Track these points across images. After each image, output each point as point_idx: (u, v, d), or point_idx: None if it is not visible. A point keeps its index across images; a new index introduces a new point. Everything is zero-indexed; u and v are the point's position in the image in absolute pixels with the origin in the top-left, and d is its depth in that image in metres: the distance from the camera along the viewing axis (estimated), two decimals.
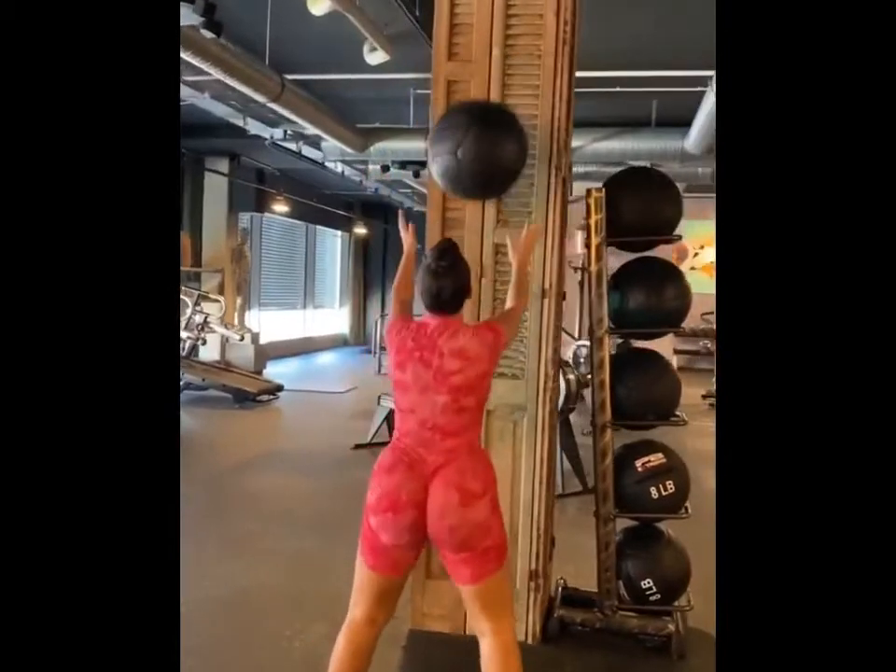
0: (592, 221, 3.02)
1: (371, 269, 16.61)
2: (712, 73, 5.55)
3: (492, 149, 2.47)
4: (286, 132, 7.77)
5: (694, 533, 3.26)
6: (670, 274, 3.08)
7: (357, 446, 6.39)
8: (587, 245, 3.08)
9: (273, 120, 7.53)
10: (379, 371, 11.74)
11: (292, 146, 8.32)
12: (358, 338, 16.33)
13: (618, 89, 6.64)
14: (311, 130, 7.10)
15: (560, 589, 3.23)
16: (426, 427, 2.08)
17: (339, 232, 15.89)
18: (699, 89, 6.28)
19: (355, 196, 14.46)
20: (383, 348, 12.36)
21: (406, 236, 2.53)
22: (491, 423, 2.95)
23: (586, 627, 3.08)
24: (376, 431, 6.47)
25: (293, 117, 6.36)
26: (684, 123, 6.85)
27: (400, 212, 2.65)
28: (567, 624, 3.07)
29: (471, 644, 2.97)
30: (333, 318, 16.02)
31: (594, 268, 3.04)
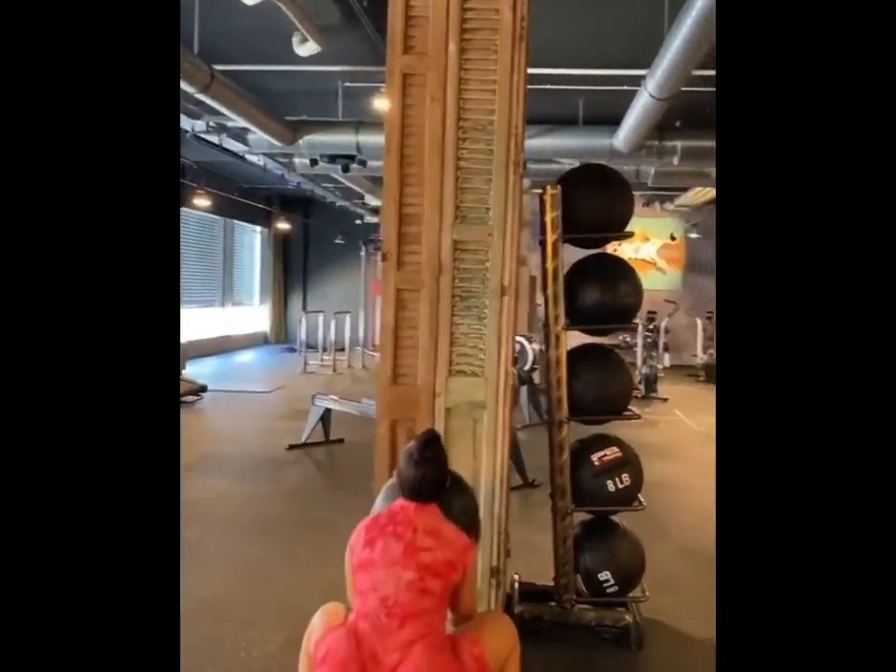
0: (548, 218, 3.04)
1: (291, 264, 16.32)
2: (642, 72, 5.67)
3: None
4: (208, 124, 7.52)
5: (639, 523, 3.34)
6: (623, 271, 3.12)
7: (292, 447, 6.26)
8: (542, 243, 3.09)
9: (196, 112, 7.29)
10: (305, 369, 11.55)
11: (214, 138, 8.06)
12: (279, 336, 16.02)
13: (548, 86, 6.70)
14: (238, 122, 6.89)
15: (517, 585, 3.24)
16: (385, 605, 1.95)
17: (258, 228, 15.55)
18: (626, 87, 6.41)
19: (274, 190, 14.17)
20: (309, 346, 12.20)
21: None
22: (451, 421, 2.93)
23: (545, 622, 3.11)
24: (311, 431, 6.37)
25: (222, 108, 6.16)
26: (612, 121, 6.98)
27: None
28: (527, 620, 3.08)
29: None
30: (253, 316, 15.67)
31: (549, 265, 3.05)
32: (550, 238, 3.03)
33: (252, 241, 15.76)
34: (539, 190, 3.14)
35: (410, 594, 1.95)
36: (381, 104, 5.98)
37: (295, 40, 5.96)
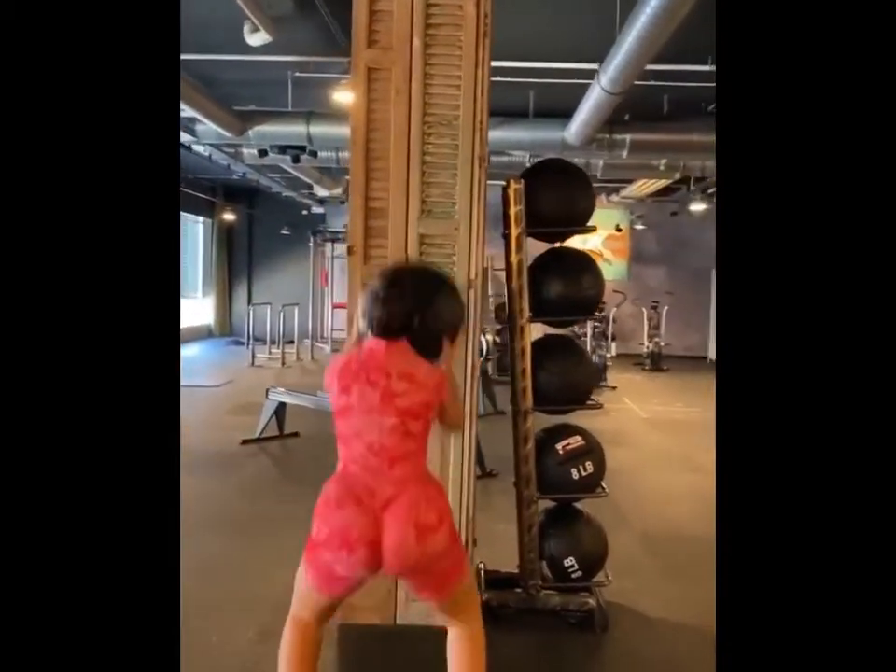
0: (512, 212, 3.08)
1: (236, 256, 16.05)
2: (593, 66, 5.75)
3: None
4: None
5: (598, 510, 3.42)
6: (586, 264, 3.19)
7: (246, 441, 6.20)
8: (506, 236, 3.13)
9: None
10: (252, 363, 11.42)
11: None
12: (224, 329, 15.76)
13: (498, 78, 6.74)
14: (185, 112, 6.75)
15: (482, 573, 3.29)
16: (372, 450, 1.99)
17: (200, 219, 15.27)
18: (577, 81, 6.49)
19: (218, 181, 13.92)
20: (257, 339, 12.04)
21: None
22: None
23: (512, 608, 3.17)
24: (265, 426, 6.32)
25: None
26: (562, 114, 7.07)
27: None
28: (493, 607, 3.13)
29: (402, 634, 2.99)
30: (196, 308, 15.39)
31: (514, 258, 3.10)
32: (514, 232, 3.07)
33: (195, 232, 15.46)
34: (500, 182, 3.18)
35: (394, 437, 1.98)
36: (339, 96, 5.93)
37: (246, 30, 5.87)
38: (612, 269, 13.85)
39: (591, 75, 5.74)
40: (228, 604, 3.24)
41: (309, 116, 7.17)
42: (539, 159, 8.12)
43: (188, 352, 12.94)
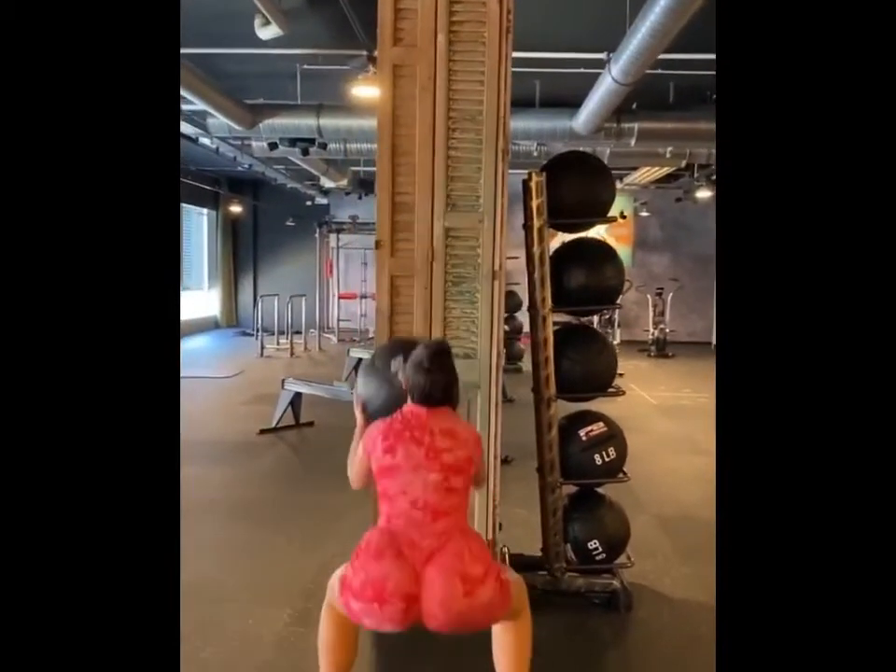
0: (533, 204, 3.15)
1: (241, 247, 16.11)
2: (600, 55, 5.79)
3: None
4: None
5: (615, 494, 3.50)
6: (607, 254, 3.26)
7: (263, 431, 6.29)
8: (527, 228, 3.20)
9: None
10: (262, 353, 11.50)
11: None
12: (230, 319, 15.84)
13: None
14: (196, 106, 6.81)
15: (507, 556, 3.38)
16: (416, 507, 2.05)
17: (205, 210, 15.30)
18: (584, 70, 6.52)
19: (223, 173, 13.95)
20: (265, 330, 12.11)
21: (359, 415, 2.46)
22: None
23: (538, 590, 3.25)
24: (281, 416, 6.40)
25: (184, 92, 6.08)
26: (569, 104, 7.11)
27: (355, 395, 2.53)
28: None
29: None
30: (202, 300, 15.45)
31: (536, 250, 3.17)
32: (536, 224, 3.14)
33: (200, 224, 15.50)
34: (512, 171, 3.24)
35: (437, 494, 2.06)
36: (358, 90, 5.96)
37: (257, 23, 5.92)
38: None
39: (599, 64, 5.79)
40: (260, 588, 3.32)
41: (319, 108, 7.21)
42: (545, 148, 8.21)
43: (195, 343, 13.02)
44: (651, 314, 12.74)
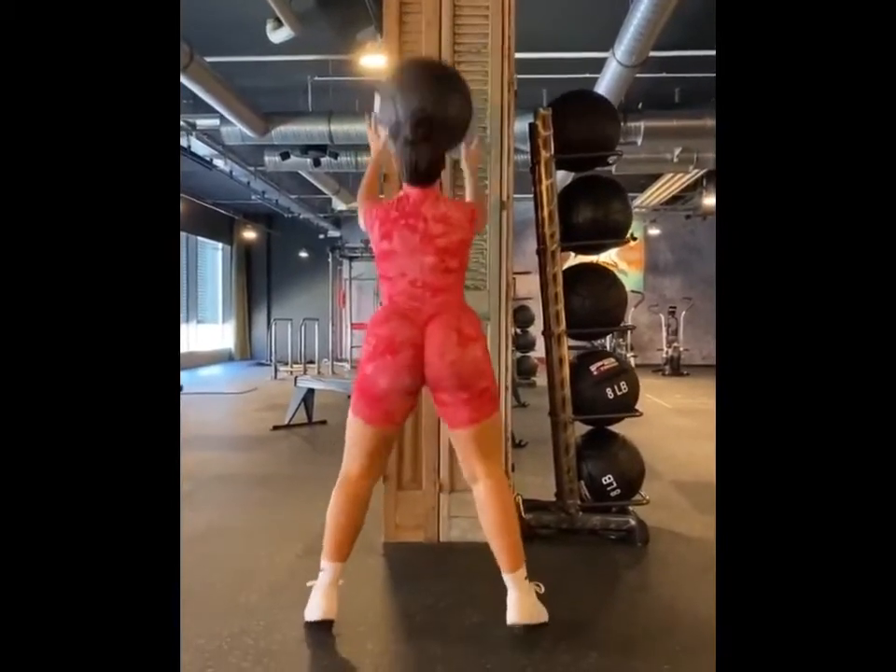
0: (540, 139, 3.19)
1: (254, 281, 16.29)
2: (605, 54, 5.91)
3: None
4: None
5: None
6: (614, 190, 3.29)
7: (276, 427, 6.31)
8: (534, 163, 3.24)
9: None
10: (275, 376, 11.53)
11: (183, 141, 8.13)
12: (244, 352, 15.92)
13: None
14: (208, 121, 7.00)
15: (520, 503, 3.33)
16: (416, 286, 2.22)
17: (220, 244, 15.53)
18: (588, 75, 6.65)
19: (237, 206, 14.17)
20: (279, 361, 12.16)
21: (375, 141, 2.52)
22: None
23: (552, 528, 3.21)
24: (294, 413, 6.41)
25: (200, 92, 6.24)
26: None
27: (367, 115, 2.67)
28: (534, 528, 3.17)
29: (446, 550, 3.04)
30: (217, 333, 15.56)
31: (544, 184, 3.20)
32: (543, 157, 3.18)
33: (214, 258, 15.72)
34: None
35: (434, 274, 2.22)
36: (366, 60, 6.01)
37: (269, 27, 6.10)
38: (628, 280, 13.92)
39: (602, 65, 5.88)
40: (272, 531, 3.34)
41: (330, 115, 7.37)
42: None
43: (209, 372, 13.07)
44: (664, 333, 12.72)
